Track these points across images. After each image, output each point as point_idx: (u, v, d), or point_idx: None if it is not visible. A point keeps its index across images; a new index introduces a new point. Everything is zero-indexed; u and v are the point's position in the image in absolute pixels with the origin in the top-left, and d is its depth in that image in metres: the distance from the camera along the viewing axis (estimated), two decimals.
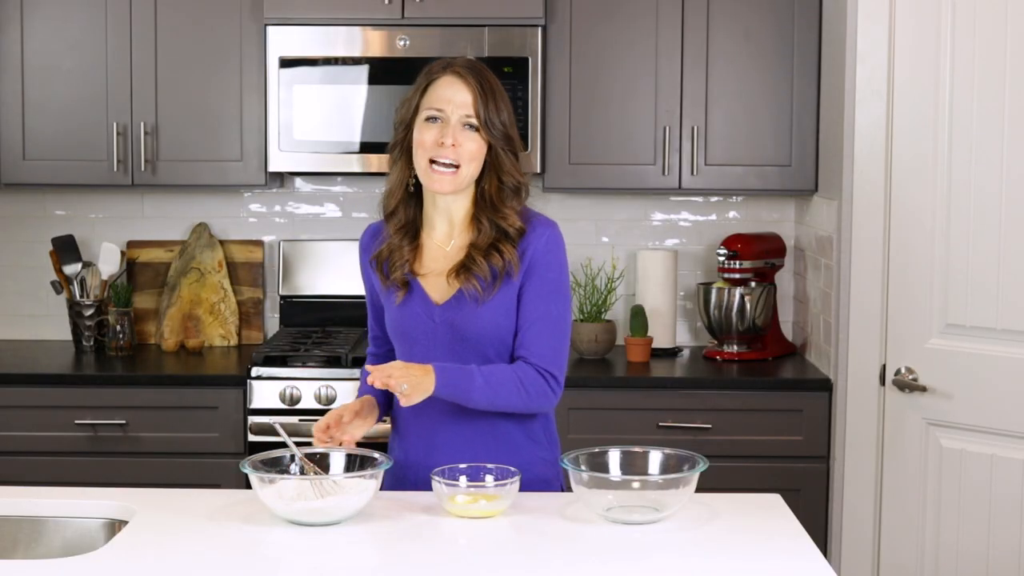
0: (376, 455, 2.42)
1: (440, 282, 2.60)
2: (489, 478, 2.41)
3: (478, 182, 2.60)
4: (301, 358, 3.93)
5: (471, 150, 2.55)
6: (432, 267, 2.62)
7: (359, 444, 2.54)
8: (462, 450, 2.58)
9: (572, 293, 3.14)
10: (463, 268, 2.57)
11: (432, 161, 2.54)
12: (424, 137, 2.55)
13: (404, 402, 2.45)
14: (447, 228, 2.63)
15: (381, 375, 2.44)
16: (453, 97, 2.55)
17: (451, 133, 2.53)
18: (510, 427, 2.62)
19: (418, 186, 2.63)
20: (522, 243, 2.58)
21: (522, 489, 2.45)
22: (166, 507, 2.42)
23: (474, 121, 2.55)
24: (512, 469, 2.41)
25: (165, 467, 3.86)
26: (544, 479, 2.63)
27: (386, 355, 2.76)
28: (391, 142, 2.65)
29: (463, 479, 2.40)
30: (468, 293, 2.56)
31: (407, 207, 2.63)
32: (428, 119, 2.56)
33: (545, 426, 2.68)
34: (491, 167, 2.59)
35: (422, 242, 2.64)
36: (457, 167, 2.54)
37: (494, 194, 2.59)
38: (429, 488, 2.42)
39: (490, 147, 2.57)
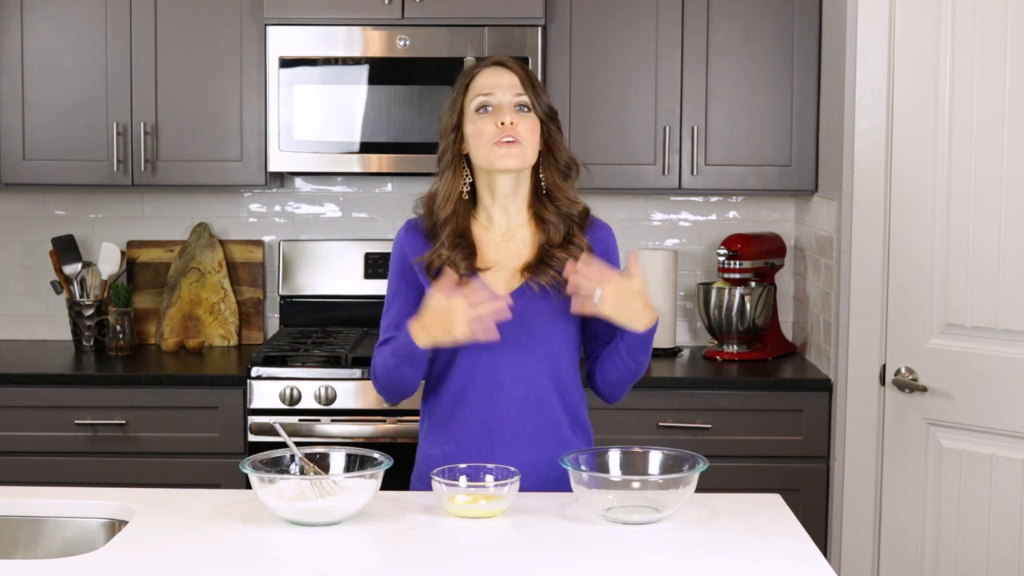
0: (376, 455, 2.42)
1: (502, 275, 2.61)
2: (489, 478, 2.41)
3: (536, 171, 2.63)
4: (301, 358, 3.93)
5: (528, 127, 2.57)
6: (492, 260, 2.61)
7: (360, 444, 2.53)
8: (515, 446, 2.59)
9: None
10: (539, 265, 2.58)
11: (494, 144, 2.56)
12: (480, 127, 2.57)
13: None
14: (505, 221, 2.64)
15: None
16: (499, 81, 2.59)
17: (507, 112, 2.56)
18: (561, 417, 2.64)
19: (471, 191, 2.63)
20: (594, 237, 2.65)
21: (561, 486, 2.49)
22: (166, 507, 2.42)
23: (524, 100, 2.58)
24: (512, 469, 2.41)
25: (165, 467, 3.86)
26: None
27: None
28: (440, 150, 2.64)
29: (463, 479, 2.40)
30: (551, 286, 2.57)
31: (458, 216, 2.61)
32: (478, 109, 2.58)
33: (584, 417, 2.72)
34: (546, 150, 2.63)
35: (477, 238, 2.63)
36: (519, 143, 2.56)
37: (556, 177, 2.63)
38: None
39: (541, 128, 2.60)
